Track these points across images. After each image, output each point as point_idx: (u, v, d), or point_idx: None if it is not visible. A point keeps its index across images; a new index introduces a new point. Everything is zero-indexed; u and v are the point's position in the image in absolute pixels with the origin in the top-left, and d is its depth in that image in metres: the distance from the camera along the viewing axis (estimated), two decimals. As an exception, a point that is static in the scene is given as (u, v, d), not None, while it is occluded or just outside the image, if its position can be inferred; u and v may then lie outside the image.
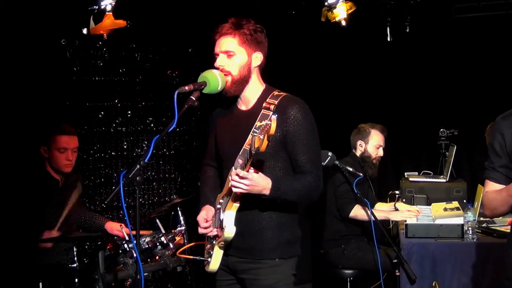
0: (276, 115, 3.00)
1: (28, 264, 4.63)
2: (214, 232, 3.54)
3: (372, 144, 5.79)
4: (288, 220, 3.54)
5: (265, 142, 2.97)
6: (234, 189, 3.24)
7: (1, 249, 4.65)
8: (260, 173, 3.25)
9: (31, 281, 4.53)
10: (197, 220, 3.57)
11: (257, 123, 3.40)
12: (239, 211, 3.41)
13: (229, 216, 3.40)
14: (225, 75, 3.44)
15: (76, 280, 4.25)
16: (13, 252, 4.61)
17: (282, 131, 3.39)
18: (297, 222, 3.62)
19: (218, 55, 3.49)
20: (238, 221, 3.40)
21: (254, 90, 3.53)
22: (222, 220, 3.44)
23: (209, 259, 3.58)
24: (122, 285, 4.48)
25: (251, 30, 3.46)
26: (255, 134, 3.01)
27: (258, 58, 3.50)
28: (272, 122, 2.94)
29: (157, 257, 4.72)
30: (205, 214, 3.56)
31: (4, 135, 5.27)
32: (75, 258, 4.25)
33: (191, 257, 3.88)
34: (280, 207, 3.46)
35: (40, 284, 4.44)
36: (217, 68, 3.45)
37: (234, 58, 3.45)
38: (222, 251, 3.54)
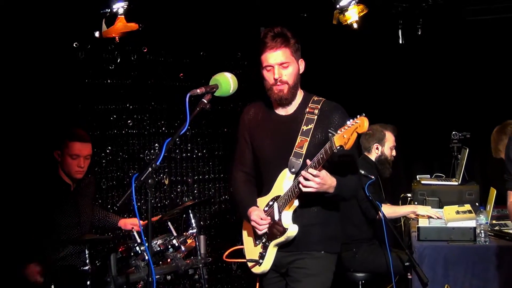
0: (364, 114, 3.22)
1: (41, 266, 4.65)
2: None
3: (388, 146, 5.81)
4: (333, 217, 3.77)
5: (352, 140, 3.17)
6: (304, 189, 3.40)
7: (12, 251, 4.67)
8: (326, 172, 3.42)
9: (43, 284, 4.54)
10: (252, 220, 3.72)
11: (304, 127, 3.64)
12: None
13: (287, 216, 3.60)
14: (281, 84, 3.63)
15: (88, 282, 4.26)
16: (23, 255, 4.63)
17: (326, 134, 3.53)
18: (339, 219, 3.84)
19: (272, 67, 3.63)
20: None
21: (296, 96, 3.76)
22: (279, 220, 3.61)
23: (260, 261, 3.74)
24: (134, 287, 4.48)
25: (294, 39, 3.69)
26: (332, 134, 3.21)
27: (302, 64, 3.77)
28: (364, 121, 3.17)
29: (168, 260, 4.71)
30: (259, 214, 3.72)
31: (17, 138, 5.29)
32: (87, 261, 4.26)
33: (241, 260, 3.94)
34: (326, 204, 3.67)
35: (52, 286, 4.45)
36: (275, 80, 3.62)
37: (290, 68, 3.66)
38: (275, 251, 3.71)
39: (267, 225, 3.69)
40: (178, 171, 6.81)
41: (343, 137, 3.18)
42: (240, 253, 3.96)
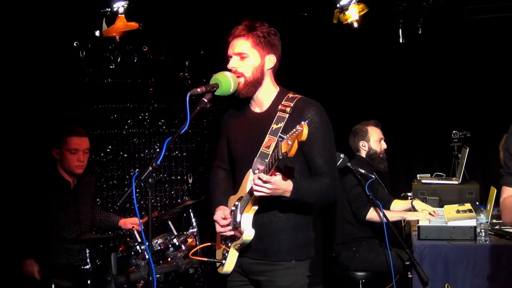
0: (307, 121, 3.00)
1: (40, 265, 4.65)
2: (231, 232, 3.53)
3: (374, 140, 5.79)
4: (303, 223, 3.57)
5: (295, 148, 2.95)
6: (256, 193, 3.24)
7: (13, 250, 4.68)
8: (281, 175, 3.24)
9: (44, 282, 4.55)
10: (214, 219, 3.57)
11: (273, 126, 3.44)
12: (255, 213, 3.43)
13: (247, 219, 3.41)
14: (237, 76, 3.45)
15: (89, 281, 4.27)
16: (25, 253, 4.64)
17: None
18: (312, 225, 3.64)
19: (231, 57, 3.50)
20: (254, 224, 3.42)
21: (267, 92, 3.56)
22: (239, 222, 3.44)
23: (223, 261, 3.59)
24: (134, 286, 4.49)
25: (264, 32, 3.47)
26: (281, 139, 2.99)
27: (271, 60, 3.52)
28: (304, 128, 2.93)
29: (169, 259, 4.72)
30: (222, 214, 3.56)
31: (17, 137, 5.30)
32: (88, 260, 4.27)
33: (205, 259, 3.86)
34: (296, 209, 3.48)
35: (53, 285, 4.46)
36: (230, 70, 3.47)
37: (247, 60, 3.47)
38: (237, 253, 3.56)
39: (227, 225, 3.52)
40: (178, 170, 6.82)
41: (288, 143, 2.95)
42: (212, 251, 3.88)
